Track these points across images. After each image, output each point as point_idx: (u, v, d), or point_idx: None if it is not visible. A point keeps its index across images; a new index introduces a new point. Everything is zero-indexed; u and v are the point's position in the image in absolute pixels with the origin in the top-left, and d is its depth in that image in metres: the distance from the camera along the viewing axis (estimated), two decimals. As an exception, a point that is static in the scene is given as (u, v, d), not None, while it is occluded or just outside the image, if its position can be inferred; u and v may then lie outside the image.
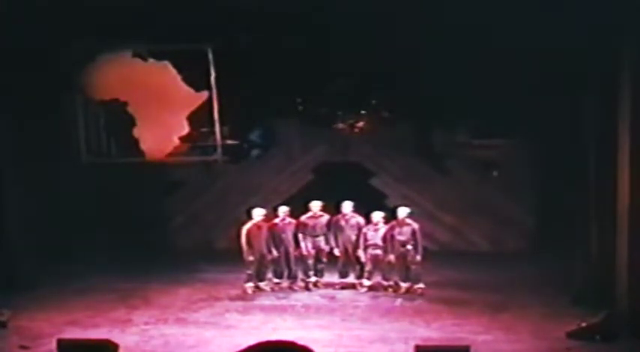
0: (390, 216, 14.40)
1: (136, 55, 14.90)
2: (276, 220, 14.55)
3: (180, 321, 12.77)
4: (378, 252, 14.22)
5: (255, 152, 18.09)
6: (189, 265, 16.44)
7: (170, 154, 15.68)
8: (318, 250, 14.63)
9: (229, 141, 16.15)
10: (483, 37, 13.20)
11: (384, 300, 13.94)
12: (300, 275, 14.74)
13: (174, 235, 18.33)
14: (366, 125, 16.64)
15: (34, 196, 15.28)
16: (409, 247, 14.03)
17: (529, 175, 17.33)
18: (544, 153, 16.66)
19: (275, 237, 14.44)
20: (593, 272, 13.07)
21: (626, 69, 11.79)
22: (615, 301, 12.09)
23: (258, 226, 14.30)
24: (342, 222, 14.50)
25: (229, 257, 15.31)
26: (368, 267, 14.39)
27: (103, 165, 16.40)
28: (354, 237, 14.39)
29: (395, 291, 14.23)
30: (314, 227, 14.57)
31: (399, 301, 13.85)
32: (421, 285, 14.09)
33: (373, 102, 16.37)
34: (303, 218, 14.62)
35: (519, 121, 15.82)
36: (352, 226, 14.43)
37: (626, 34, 11.78)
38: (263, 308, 13.50)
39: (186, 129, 15.37)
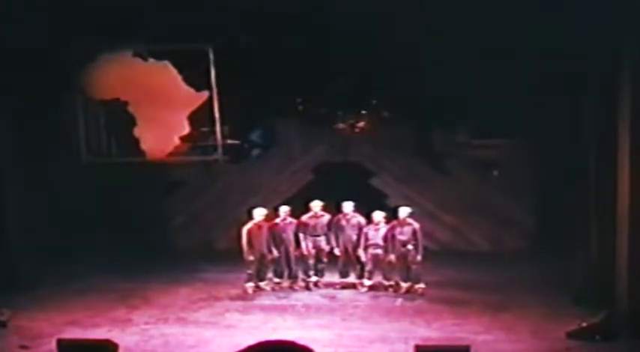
0: (391, 215, 14.40)
1: (136, 54, 14.90)
2: (277, 220, 14.55)
3: (181, 321, 12.78)
4: (379, 251, 14.23)
5: (255, 152, 18.10)
6: (189, 265, 16.44)
7: (170, 154, 15.67)
8: (319, 250, 14.64)
9: (230, 141, 16.16)
10: (483, 37, 13.20)
11: (385, 300, 13.94)
12: (301, 274, 14.74)
13: (174, 235, 18.32)
14: (367, 125, 16.64)
15: (34, 196, 15.28)
16: (410, 247, 14.03)
17: (529, 175, 17.32)
18: (544, 153, 16.65)
19: (275, 236, 14.44)
20: (593, 272, 13.07)
21: (626, 69, 11.79)
22: (615, 301, 12.09)
23: (258, 226, 14.30)
24: (343, 222, 14.51)
25: (229, 257, 15.31)
26: (368, 267, 14.39)
27: (103, 165, 16.40)
28: (354, 237, 14.40)
29: (395, 291, 14.23)
30: (314, 227, 14.57)
31: (399, 301, 13.86)
32: (422, 285, 14.10)
33: (373, 102, 16.38)
34: (303, 218, 14.63)
35: (519, 121, 15.82)
36: (353, 226, 14.43)
37: (626, 34, 11.78)
38: (263, 308, 13.50)
39: (186, 129, 15.37)
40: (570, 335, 11.51)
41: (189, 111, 15.19)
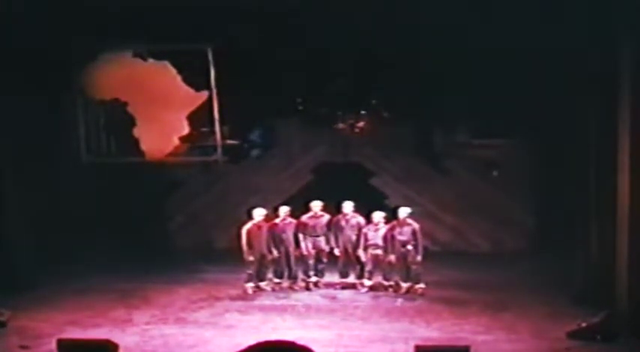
0: (391, 216, 14.40)
1: (136, 55, 14.91)
2: (277, 220, 14.55)
3: (180, 321, 12.77)
4: (379, 252, 14.22)
5: (255, 152, 18.11)
6: (189, 265, 16.44)
7: (170, 154, 15.67)
8: (319, 250, 14.63)
9: (229, 141, 16.17)
10: (483, 37, 13.21)
11: (385, 300, 13.94)
12: (301, 275, 14.74)
13: (174, 235, 18.32)
14: (367, 125, 16.64)
15: (34, 196, 15.27)
16: (410, 247, 14.03)
17: (529, 175, 17.33)
18: (544, 153, 16.67)
19: (275, 237, 14.44)
20: (593, 272, 13.07)
21: (626, 69, 11.79)
22: (615, 301, 12.09)
23: (258, 226, 14.30)
24: (343, 222, 14.50)
25: (229, 257, 15.30)
26: (368, 267, 14.39)
27: (103, 165, 16.40)
28: (354, 237, 14.39)
29: (395, 291, 14.23)
30: (314, 227, 14.57)
31: (399, 301, 13.86)
32: (422, 285, 14.09)
33: (373, 102, 16.38)
34: (303, 218, 14.62)
35: (519, 121, 15.83)
36: (353, 226, 14.43)
37: (626, 34, 11.78)
38: (263, 308, 13.50)
39: (186, 129, 15.38)
40: (570, 335, 11.51)
41: (188, 112, 15.19)
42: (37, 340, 11.64)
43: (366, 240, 14.26)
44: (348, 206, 14.54)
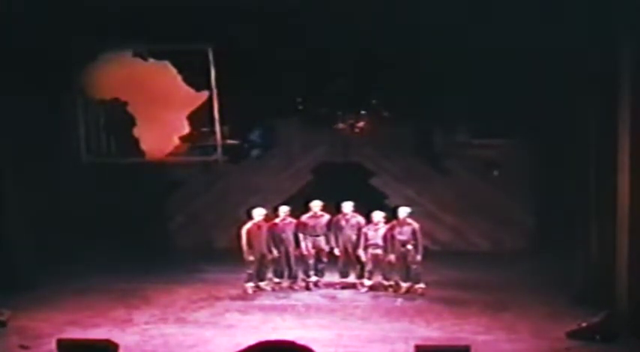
0: (391, 215, 14.40)
1: (136, 54, 14.91)
2: (277, 220, 14.55)
3: (180, 321, 12.77)
4: (379, 251, 14.22)
5: (255, 152, 18.11)
6: (189, 265, 16.44)
7: (170, 154, 15.68)
8: (319, 250, 14.63)
9: (229, 141, 16.17)
10: (483, 37, 13.21)
11: (385, 300, 13.94)
12: (301, 275, 14.74)
13: (174, 235, 18.32)
14: (367, 125, 16.64)
15: (34, 196, 15.27)
16: (409, 247, 14.03)
17: (529, 175, 17.33)
18: (544, 153, 16.67)
19: (275, 236, 14.44)
20: (593, 272, 13.07)
21: (626, 69, 11.79)
22: (615, 301, 12.09)
23: (258, 226, 14.30)
24: (343, 222, 14.50)
25: (229, 257, 15.30)
26: (368, 267, 14.39)
27: (103, 165, 16.39)
28: (354, 237, 14.39)
29: (395, 291, 14.23)
30: (314, 227, 14.57)
31: (399, 301, 13.86)
32: (421, 285, 14.09)
33: (373, 102, 16.38)
34: (303, 218, 14.63)
35: (519, 121, 15.83)
36: (352, 226, 14.43)
37: (626, 34, 11.78)
38: (263, 308, 13.50)
39: (186, 129, 15.38)
40: (570, 335, 11.51)
41: (189, 111, 15.20)
42: (37, 340, 11.64)
43: (366, 239, 14.26)
44: (347, 206, 14.54)
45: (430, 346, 10.32)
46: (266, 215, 14.50)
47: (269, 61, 14.49)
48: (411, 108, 15.97)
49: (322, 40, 13.99)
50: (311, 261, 14.65)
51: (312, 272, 14.68)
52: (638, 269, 11.73)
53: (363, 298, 14.10)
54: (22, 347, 11.41)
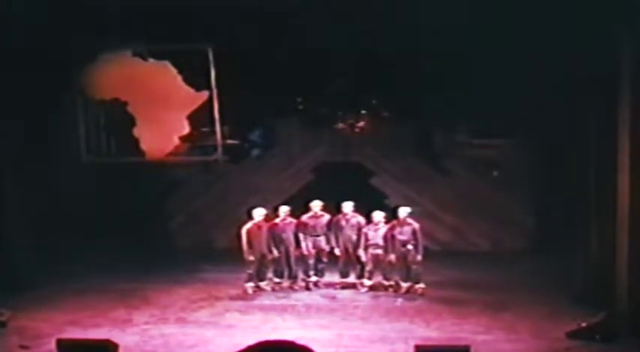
0: (391, 215, 14.40)
1: (136, 54, 14.91)
2: (277, 220, 14.55)
3: (180, 321, 12.77)
4: (379, 251, 14.22)
5: (255, 152, 18.11)
6: (189, 265, 16.44)
7: (170, 154, 15.68)
8: (319, 250, 14.63)
9: (230, 141, 16.17)
10: (483, 37, 13.21)
11: (385, 300, 13.94)
12: (301, 274, 14.74)
13: (174, 235, 18.32)
14: (367, 125, 16.64)
15: (34, 196, 15.27)
16: (410, 247, 14.03)
17: (529, 175, 17.33)
18: (544, 153, 16.67)
19: (275, 236, 14.44)
20: (593, 272, 13.07)
21: (626, 69, 11.79)
22: (615, 301, 12.09)
23: (258, 226, 14.30)
24: (343, 222, 14.50)
25: (229, 257, 15.30)
26: (368, 267, 14.39)
27: (103, 165, 16.40)
28: (354, 237, 14.39)
29: (395, 291, 14.22)
30: (314, 227, 14.57)
31: (399, 301, 13.86)
32: (422, 285, 14.09)
33: (373, 102, 16.38)
34: (303, 218, 14.62)
35: (519, 121, 15.83)
36: (353, 226, 14.42)
37: (626, 34, 11.78)
38: (263, 308, 13.50)
39: (186, 129, 15.38)
40: (570, 335, 11.51)
41: (189, 111, 15.20)
42: (37, 340, 11.64)
43: (367, 239, 14.26)
44: (348, 206, 14.54)
45: (430, 346, 10.33)
46: (266, 215, 14.50)
47: (269, 61, 14.49)
48: (411, 108, 15.97)
49: (322, 40, 13.99)
50: (311, 261, 14.65)
51: (312, 272, 14.67)
52: (638, 269, 11.73)
53: (363, 298, 14.10)
54: (22, 347, 11.41)
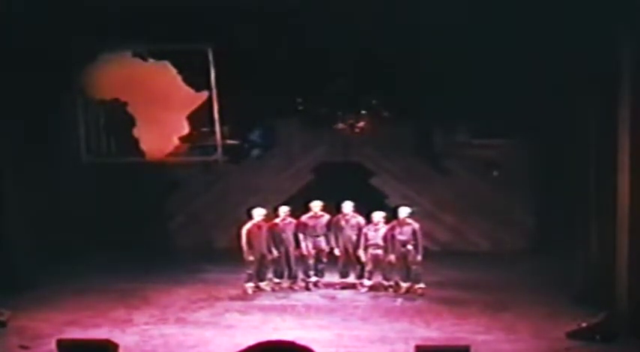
0: (391, 215, 14.40)
1: (135, 54, 14.91)
2: (277, 220, 14.54)
3: (180, 321, 12.77)
4: (379, 251, 14.22)
5: (255, 152, 18.11)
6: (189, 265, 16.44)
7: (170, 154, 15.68)
8: (319, 250, 14.63)
9: (229, 141, 16.17)
10: (483, 37, 13.21)
11: (385, 300, 13.93)
12: (301, 275, 14.74)
13: (174, 235, 18.33)
14: (367, 125, 16.64)
15: (34, 196, 15.27)
16: (410, 247, 14.03)
17: (529, 175, 17.33)
18: (544, 153, 16.67)
19: (275, 236, 14.44)
20: (593, 272, 13.07)
21: (626, 69, 11.79)
22: (615, 301, 12.09)
23: (258, 226, 14.30)
24: (343, 222, 14.50)
25: (229, 257, 15.30)
26: (368, 267, 14.39)
27: (103, 165, 16.40)
28: (354, 237, 14.39)
29: (395, 291, 14.22)
30: (314, 227, 14.56)
31: (399, 301, 13.85)
32: (421, 285, 14.09)
33: (373, 102, 16.38)
34: (303, 218, 14.62)
35: (519, 121, 15.83)
36: (352, 226, 14.42)
37: (626, 34, 11.78)
38: (263, 308, 13.49)
39: (186, 129, 15.38)
40: (570, 335, 11.51)
41: (188, 112, 15.20)
42: (37, 340, 11.63)
43: (366, 239, 14.26)
44: (348, 206, 14.54)
45: (430, 346, 10.32)
46: (266, 215, 14.50)
47: (269, 61, 14.49)
48: (411, 108, 15.98)
49: (322, 40, 13.99)
50: (311, 261, 14.64)
51: (312, 273, 14.67)
52: (638, 269, 11.73)
53: (363, 298, 14.10)
54: (22, 347, 11.40)
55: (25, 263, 14.78)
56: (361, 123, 16.62)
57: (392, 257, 14.14)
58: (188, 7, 13.43)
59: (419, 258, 14.05)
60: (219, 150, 15.70)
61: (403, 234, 14.06)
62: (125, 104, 15.14)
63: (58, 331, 11.91)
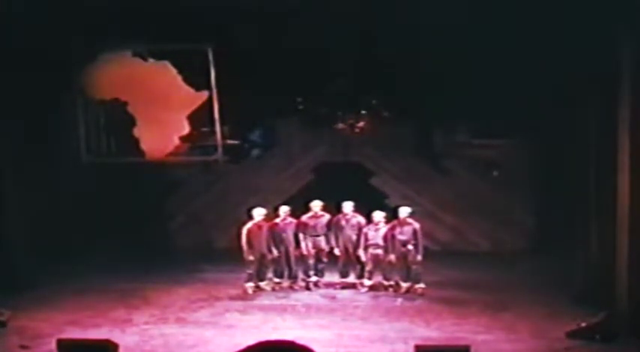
0: (391, 215, 14.40)
1: (135, 54, 14.90)
2: (277, 220, 14.55)
3: (180, 321, 12.77)
4: (379, 251, 14.22)
5: (255, 152, 18.11)
6: (189, 265, 16.44)
7: (170, 154, 15.67)
8: (319, 250, 14.63)
9: (230, 141, 16.17)
10: (483, 37, 13.21)
11: (385, 300, 13.94)
12: (301, 274, 14.74)
13: (174, 235, 18.33)
14: (367, 125, 16.64)
15: (34, 196, 15.27)
16: (410, 247, 14.03)
17: (529, 175, 17.33)
18: (544, 153, 16.67)
19: (275, 236, 14.44)
20: (593, 272, 13.07)
21: (626, 69, 11.79)
22: (615, 301, 12.09)
23: (258, 226, 14.30)
24: (343, 222, 14.50)
25: (229, 257, 15.31)
26: (368, 267, 14.39)
27: (103, 165, 16.40)
28: (354, 237, 14.39)
29: (395, 291, 14.22)
30: (314, 227, 14.57)
31: (399, 301, 13.86)
32: (422, 285, 14.09)
33: (373, 102, 16.38)
34: (303, 218, 14.62)
35: (519, 121, 15.83)
36: (353, 226, 14.42)
37: (626, 34, 11.78)
38: (263, 308, 13.50)
39: (186, 129, 15.37)
40: (570, 335, 11.51)
41: (189, 112, 15.19)
42: (37, 340, 11.64)
43: (367, 239, 14.26)
44: (348, 206, 14.54)
45: (430, 346, 10.33)
46: (266, 215, 14.50)
47: (269, 61, 14.48)
48: (411, 108, 15.98)
49: (322, 40, 13.98)
50: (311, 261, 14.65)
51: (312, 272, 14.67)
52: (638, 269, 11.73)
53: (363, 298, 14.10)
54: (22, 347, 11.41)
55: (25, 263, 14.78)
56: (361, 123, 16.62)
57: (392, 257, 14.14)
58: (188, 7, 13.43)
59: (419, 257, 14.05)
60: (220, 150, 15.69)
61: (403, 234, 14.06)
62: (125, 104, 15.14)
63: (58, 331, 11.91)
